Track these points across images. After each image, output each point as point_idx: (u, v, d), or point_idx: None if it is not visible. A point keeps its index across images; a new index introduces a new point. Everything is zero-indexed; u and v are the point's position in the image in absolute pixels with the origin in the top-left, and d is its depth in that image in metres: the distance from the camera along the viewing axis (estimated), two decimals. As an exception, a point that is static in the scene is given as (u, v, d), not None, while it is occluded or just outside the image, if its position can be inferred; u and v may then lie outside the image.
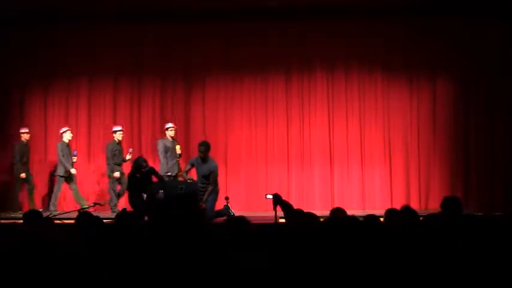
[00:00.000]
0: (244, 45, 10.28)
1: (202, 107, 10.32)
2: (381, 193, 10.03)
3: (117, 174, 9.23)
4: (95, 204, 6.54)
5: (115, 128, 9.48)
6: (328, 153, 10.19)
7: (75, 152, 9.54)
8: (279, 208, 4.71)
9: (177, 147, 9.07)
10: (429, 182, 10.05)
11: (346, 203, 9.50)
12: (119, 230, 3.90)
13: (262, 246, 3.12)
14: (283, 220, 6.13)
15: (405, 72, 10.20)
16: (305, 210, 4.21)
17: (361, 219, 3.62)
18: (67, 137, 9.48)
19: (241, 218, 3.37)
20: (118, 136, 9.38)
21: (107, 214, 8.22)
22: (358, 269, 2.84)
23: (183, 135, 10.06)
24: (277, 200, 4.82)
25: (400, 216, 3.93)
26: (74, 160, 9.46)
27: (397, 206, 4.43)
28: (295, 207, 4.48)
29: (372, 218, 3.82)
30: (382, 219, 4.07)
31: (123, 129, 9.60)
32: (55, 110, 10.44)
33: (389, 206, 7.94)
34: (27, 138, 9.75)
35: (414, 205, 9.32)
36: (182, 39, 10.31)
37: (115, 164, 9.29)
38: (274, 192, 5.06)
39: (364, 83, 10.25)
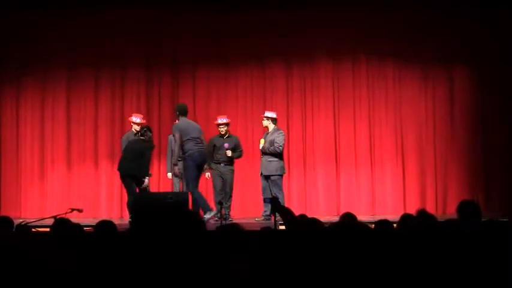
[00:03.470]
0: (239, 34, 10.28)
1: (192, 103, 10.26)
2: (392, 197, 10.04)
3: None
4: (73, 210, 6.50)
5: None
6: (333, 153, 10.20)
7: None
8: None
9: (262, 141, 8.94)
10: (447, 184, 10.06)
11: (354, 208, 9.45)
12: (99, 238, 3.90)
13: (258, 255, 3.12)
14: (284, 227, 6.12)
15: (418, 63, 10.22)
16: (309, 215, 4.21)
17: (371, 225, 3.61)
18: None
19: (234, 226, 3.36)
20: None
21: (89, 221, 8.18)
22: (367, 280, 2.83)
23: (171, 130, 10.02)
24: (275, 205, 4.78)
25: (416, 222, 3.92)
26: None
27: (411, 211, 4.42)
28: (297, 212, 4.46)
29: (383, 224, 3.80)
30: (395, 225, 4.07)
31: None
32: (28, 106, 10.36)
33: (402, 211, 7.98)
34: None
35: (430, 210, 9.27)
36: (170, 27, 10.28)
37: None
38: (272, 196, 5.04)
39: (373, 75, 10.26)
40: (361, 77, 10.27)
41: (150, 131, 8.47)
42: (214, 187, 9.00)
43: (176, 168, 8.29)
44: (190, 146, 8.08)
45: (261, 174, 8.86)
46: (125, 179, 8.35)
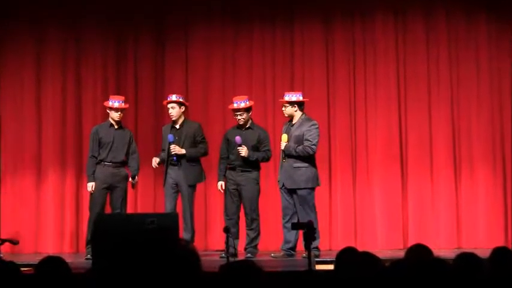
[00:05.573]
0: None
1: (184, 75, 10.44)
2: (487, 221, 10.03)
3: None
4: (4, 241, 6.57)
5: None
6: (397, 155, 10.22)
7: (171, 136, 8.83)
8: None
9: (284, 137, 8.76)
10: None
11: (429, 236, 9.55)
12: (44, 282, 3.93)
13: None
14: (323, 266, 6.12)
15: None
16: (360, 249, 4.22)
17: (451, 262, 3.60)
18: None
19: (246, 265, 3.35)
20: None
21: (29, 258, 8.26)
22: None
23: (152, 118, 10.12)
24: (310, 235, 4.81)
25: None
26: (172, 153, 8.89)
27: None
28: (343, 242, 4.48)
29: (468, 259, 3.77)
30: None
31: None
32: None
33: (501, 243, 7.89)
34: None
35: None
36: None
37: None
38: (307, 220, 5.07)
39: (455, 33, 10.33)
40: (437, 35, 10.29)
41: None
42: (226, 207, 8.93)
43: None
44: None
45: (282, 186, 8.79)
46: None
